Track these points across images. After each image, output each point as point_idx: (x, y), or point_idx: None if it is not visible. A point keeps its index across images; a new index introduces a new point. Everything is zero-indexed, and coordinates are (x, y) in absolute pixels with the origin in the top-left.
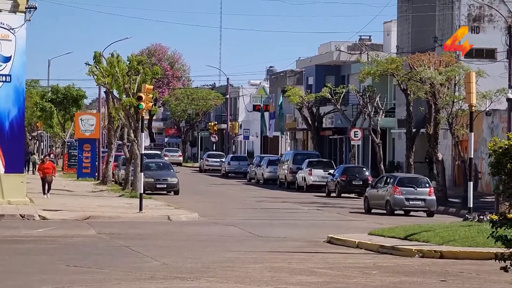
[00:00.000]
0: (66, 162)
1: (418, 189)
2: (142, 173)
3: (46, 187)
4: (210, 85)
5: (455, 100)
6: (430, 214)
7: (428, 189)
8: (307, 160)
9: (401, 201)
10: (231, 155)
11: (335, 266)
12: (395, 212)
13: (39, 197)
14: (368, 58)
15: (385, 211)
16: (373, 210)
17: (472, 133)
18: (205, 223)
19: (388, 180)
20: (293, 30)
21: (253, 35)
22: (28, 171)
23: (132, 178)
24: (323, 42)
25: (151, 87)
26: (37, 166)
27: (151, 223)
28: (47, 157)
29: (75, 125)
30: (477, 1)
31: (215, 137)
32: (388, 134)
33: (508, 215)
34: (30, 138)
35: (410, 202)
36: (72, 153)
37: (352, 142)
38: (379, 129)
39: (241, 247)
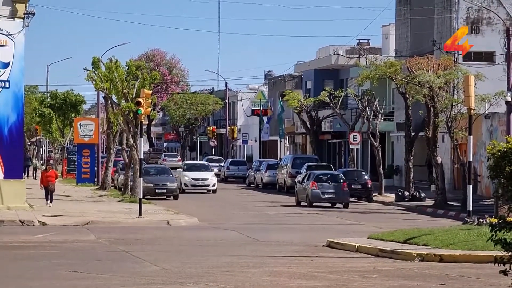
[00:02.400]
0: (66, 167)
1: (332, 184)
2: (142, 178)
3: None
4: (208, 89)
5: (454, 103)
6: (345, 205)
7: (341, 184)
8: (306, 164)
9: (318, 195)
10: (230, 160)
11: (335, 270)
12: (314, 204)
13: (39, 203)
14: (366, 61)
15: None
16: (302, 203)
17: (471, 136)
18: (204, 228)
19: (309, 177)
20: (292, 34)
21: (251, 40)
22: (28, 177)
23: (132, 183)
24: (322, 46)
25: (150, 92)
26: (37, 171)
27: (150, 228)
28: (50, 165)
29: (74, 131)
30: (476, 4)
31: (214, 141)
32: (387, 137)
33: (508, 218)
34: (29, 143)
35: (326, 196)
36: (71, 158)
37: (351, 146)
38: (378, 133)
39: (240, 251)
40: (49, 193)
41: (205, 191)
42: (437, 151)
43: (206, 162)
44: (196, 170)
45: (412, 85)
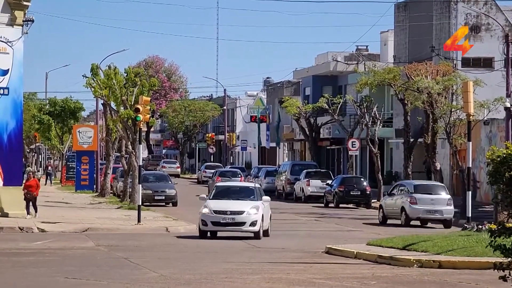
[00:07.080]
0: (65, 174)
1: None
2: (140, 185)
3: (31, 206)
4: (207, 96)
5: (453, 109)
6: None
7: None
8: (305, 170)
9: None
10: (229, 166)
11: (334, 276)
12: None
13: (37, 210)
14: (365, 68)
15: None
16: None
17: (470, 143)
18: None
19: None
20: (290, 41)
21: (250, 46)
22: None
23: (130, 190)
24: (320, 52)
25: (149, 99)
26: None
27: (149, 235)
28: (31, 173)
29: (73, 138)
30: (475, 10)
31: (212, 148)
32: (386, 144)
33: (507, 224)
34: (28, 150)
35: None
36: (70, 165)
37: (349, 153)
38: (376, 139)
39: (239, 258)
40: (29, 204)
41: (240, 233)
42: (436, 157)
43: (252, 185)
44: (229, 197)
45: (410, 91)
